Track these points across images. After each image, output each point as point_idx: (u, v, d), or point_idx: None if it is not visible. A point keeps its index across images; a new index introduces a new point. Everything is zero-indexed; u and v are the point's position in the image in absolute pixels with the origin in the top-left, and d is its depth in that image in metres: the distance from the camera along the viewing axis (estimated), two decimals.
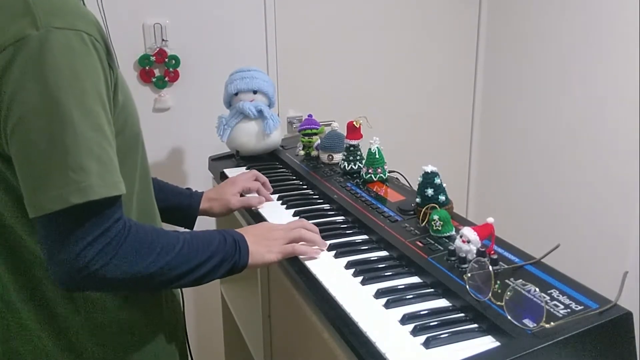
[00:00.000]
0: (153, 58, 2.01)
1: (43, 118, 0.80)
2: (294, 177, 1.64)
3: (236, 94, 1.76)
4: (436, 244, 1.13)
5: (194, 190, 1.45)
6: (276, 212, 1.39)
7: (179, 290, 1.16)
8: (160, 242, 0.93)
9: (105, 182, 0.83)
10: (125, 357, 1.02)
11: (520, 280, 0.94)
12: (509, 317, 0.88)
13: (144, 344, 1.04)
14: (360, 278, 1.07)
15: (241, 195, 1.44)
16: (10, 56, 0.81)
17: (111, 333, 1.00)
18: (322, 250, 1.17)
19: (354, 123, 1.53)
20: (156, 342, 1.06)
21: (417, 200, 1.25)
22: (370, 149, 1.46)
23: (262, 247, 1.08)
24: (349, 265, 1.12)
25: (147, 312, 1.04)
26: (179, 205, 1.37)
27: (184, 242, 0.96)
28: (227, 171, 1.70)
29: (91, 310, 0.98)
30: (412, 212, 1.27)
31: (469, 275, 0.96)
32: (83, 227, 0.83)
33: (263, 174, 1.55)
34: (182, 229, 1.22)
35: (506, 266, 1.02)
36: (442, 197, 1.23)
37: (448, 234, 1.15)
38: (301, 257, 1.15)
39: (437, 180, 1.23)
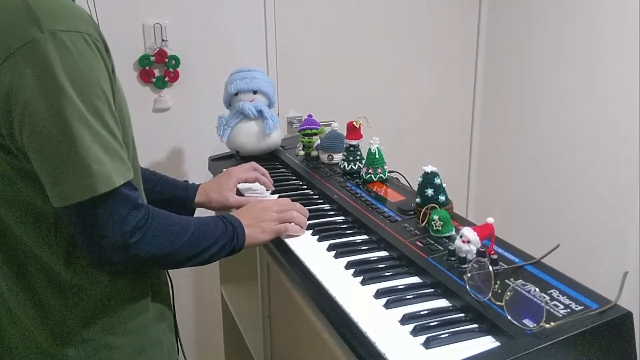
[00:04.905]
0: (153, 58, 2.01)
1: (58, 118, 0.86)
2: (294, 177, 1.63)
3: (236, 94, 1.76)
4: (436, 244, 1.13)
5: (191, 183, 1.46)
6: None
7: (168, 280, 1.19)
8: (176, 224, 1.03)
9: (119, 170, 0.92)
10: (113, 343, 1.03)
11: (520, 280, 0.94)
12: (509, 317, 0.88)
13: (131, 332, 1.06)
14: (360, 278, 1.07)
15: (238, 192, 1.45)
16: (19, 59, 0.85)
17: (99, 320, 1.02)
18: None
19: (354, 123, 1.53)
20: (143, 330, 1.07)
21: (417, 200, 1.25)
22: (370, 149, 1.46)
23: (257, 230, 1.18)
24: (349, 266, 1.12)
25: (133, 301, 1.06)
26: (174, 197, 1.40)
27: (195, 226, 1.06)
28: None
29: (79, 298, 1.00)
30: (412, 212, 1.27)
31: (469, 275, 0.96)
32: (112, 210, 0.92)
33: None
34: None
35: (506, 266, 1.02)
36: (442, 197, 1.23)
37: (448, 234, 1.15)
38: (301, 257, 1.16)
39: (437, 180, 1.23)
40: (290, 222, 1.24)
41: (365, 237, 1.25)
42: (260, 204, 1.25)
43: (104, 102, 0.90)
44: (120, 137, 0.95)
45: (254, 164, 1.53)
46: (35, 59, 0.85)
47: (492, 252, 1.04)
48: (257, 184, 1.51)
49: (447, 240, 1.14)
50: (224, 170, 1.54)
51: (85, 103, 0.87)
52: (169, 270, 1.19)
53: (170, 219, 1.03)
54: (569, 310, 0.88)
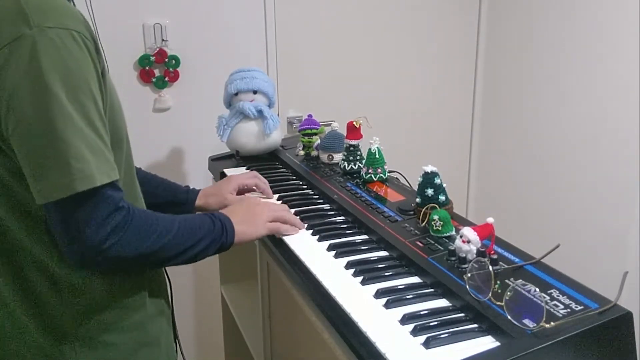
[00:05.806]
0: (153, 58, 2.01)
1: (43, 114, 0.86)
2: (294, 177, 1.63)
3: (236, 94, 1.76)
4: (436, 244, 1.13)
5: (192, 188, 1.46)
6: None
7: (165, 278, 1.19)
8: (160, 224, 1.01)
9: (103, 169, 0.90)
10: (109, 340, 1.03)
11: (520, 280, 0.94)
12: (509, 317, 0.88)
13: (127, 330, 1.06)
14: (360, 278, 1.07)
15: (239, 194, 1.45)
16: (7, 55, 0.86)
17: (94, 318, 1.02)
18: (301, 229, 1.27)
19: (354, 123, 1.53)
20: (140, 328, 1.08)
21: (417, 200, 1.25)
22: (370, 149, 1.46)
23: (248, 226, 1.17)
24: (349, 265, 1.12)
25: (129, 299, 1.06)
26: (175, 200, 1.40)
27: (179, 225, 1.04)
28: (227, 171, 1.70)
29: (74, 296, 1.00)
30: (412, 212, 1.27)
31: (469, 275, 0.96)
32: (91, 210, 0.90)
33: (263, 174, 1.55)
34: None
35: (506, 266, 1.02)
36: (442, 197, 1.23)
37: (448, 234, 1.15)
38: (302, 257, 1.16)
39: (437, 180, 1.23)
40: (282, 221, 1.24)
41: (365, 237, 1.25)
42: (249, 200, 1.26)
43: (90, 100, 0.90)
44: (107, 136, 0.94)
45: (255, 173, 1.52)
46: (22, 55, 0.85)
47: (492, 252, 1.04)
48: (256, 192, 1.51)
49: (447, 240, 1.14)
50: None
51: (71, 100, 0.87)
52: (167, 268, 1.19)
53: (152, 219, 1.01)
54: (569, 310, 0.88)
